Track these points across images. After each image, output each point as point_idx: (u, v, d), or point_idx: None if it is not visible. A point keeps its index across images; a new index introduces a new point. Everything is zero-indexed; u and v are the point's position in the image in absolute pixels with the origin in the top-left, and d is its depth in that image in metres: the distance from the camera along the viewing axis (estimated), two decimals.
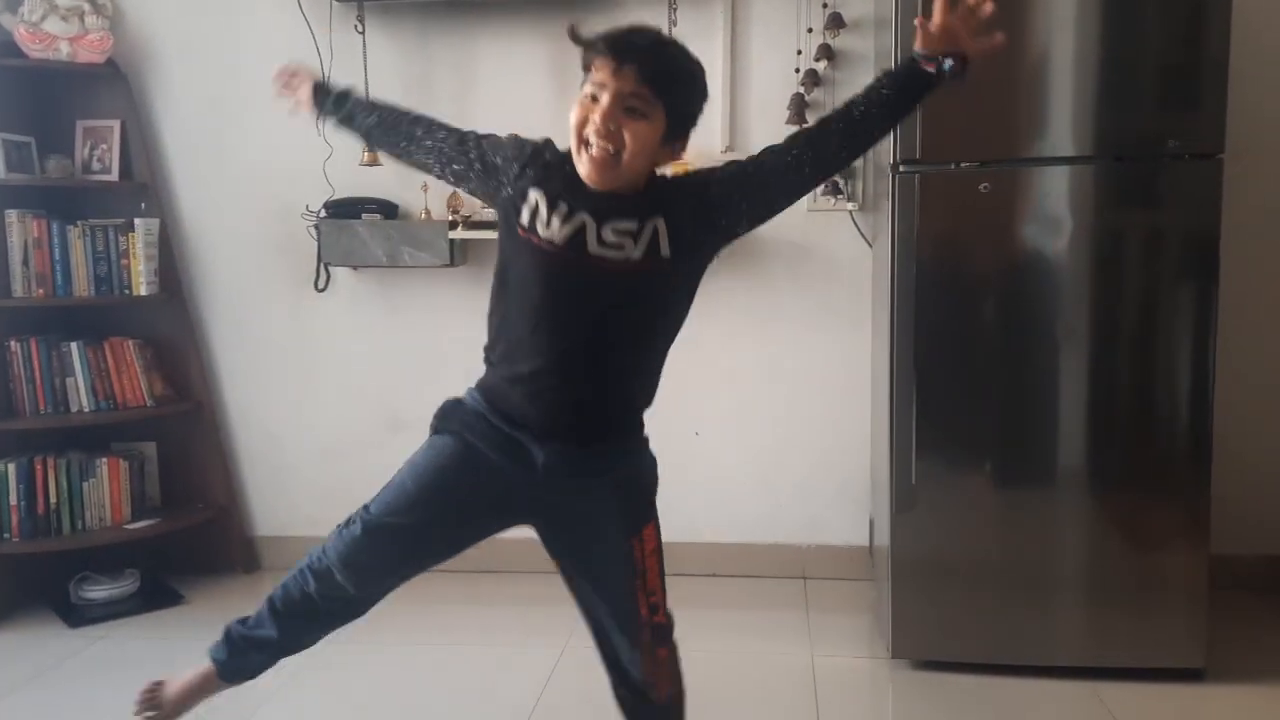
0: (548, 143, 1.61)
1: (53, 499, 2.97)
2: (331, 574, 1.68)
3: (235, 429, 3.33)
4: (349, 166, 3.05)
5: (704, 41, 2.97)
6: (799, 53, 2.92)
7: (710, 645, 2.67)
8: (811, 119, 2.89)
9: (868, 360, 2.97)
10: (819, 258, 3.03)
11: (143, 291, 3.07)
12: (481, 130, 1.69)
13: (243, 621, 1.83)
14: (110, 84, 3.13)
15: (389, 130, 1.76)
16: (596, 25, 2.96)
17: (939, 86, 1.55)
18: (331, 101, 1.80)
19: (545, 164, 1.57)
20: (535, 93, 3.05)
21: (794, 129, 2.83)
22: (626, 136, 1.46)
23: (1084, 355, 2.34)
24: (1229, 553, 2.68)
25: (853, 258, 2.99)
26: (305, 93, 1.81)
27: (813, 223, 3.01)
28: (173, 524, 3.13)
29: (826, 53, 2.89)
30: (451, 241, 2.97)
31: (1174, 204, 2.29)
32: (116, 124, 3.13)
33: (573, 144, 1.50)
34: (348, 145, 3.05)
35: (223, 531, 3.27)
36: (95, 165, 3.13)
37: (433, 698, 2.42)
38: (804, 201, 2.96)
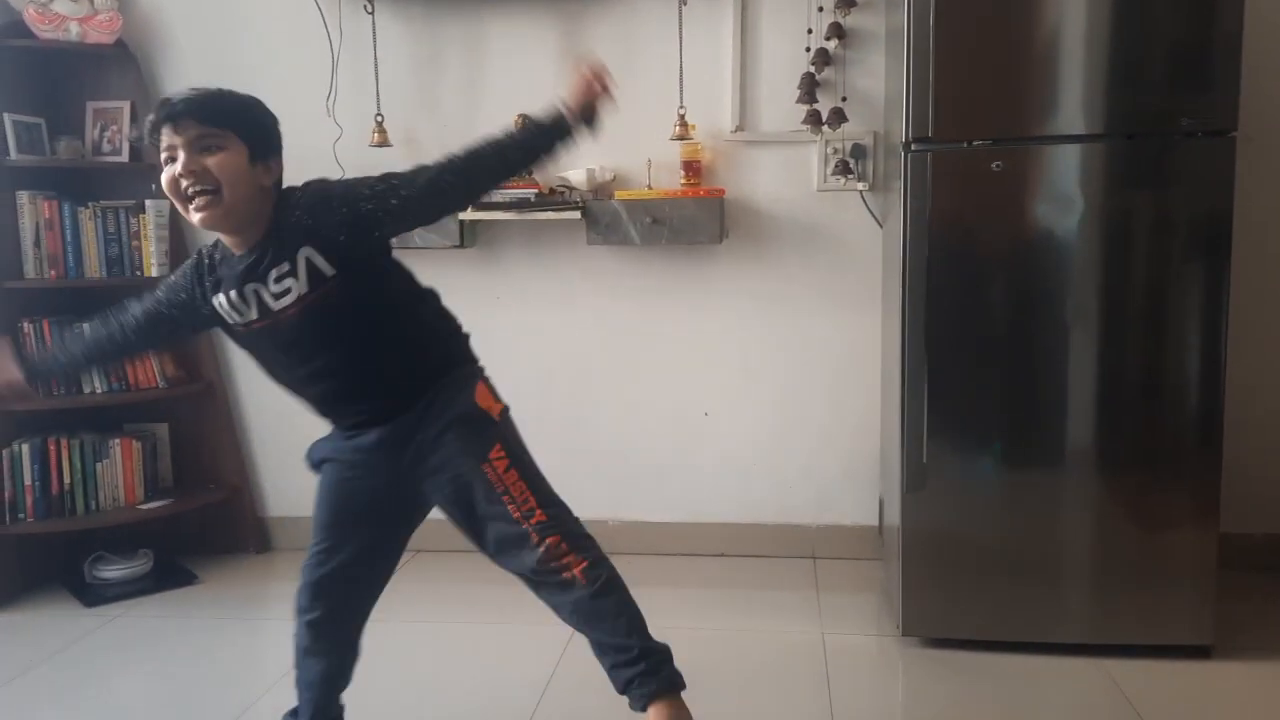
0: (200, 251, 1.78)
1: (66, 479, 2.99)
2: (304, 622, 1.95)
3: (247, 410, 3.34)
4: (359, 148, 3.05)
5: (714, 20, 2.97)
6: (809, 32, 2.91)
7: (721, 624, 2.69)
8: (822, 98, 2.89)
9: (878, 340, 2.97)
10: (829, 238, 3.02)
11: (154, 273, 3.08)
12: (160, 286, 1.82)
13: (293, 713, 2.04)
14: (120, 65, 3.13)
15: (94, 346, 1.85)
16: (604, 8, 2.99)
17: (559, 139, 1.75)
18: (36, 370, 1.84)
19: (209, 269, 1.74)
20: (545, 73, 3.04)
21: (804, 109, 2.86)
22: (214, 171, 1.59)
23: (1095, 334, 2.33)
24: (1238, 531, 2.69)
25: (863, 238, 2.99)
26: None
27: (823, 203, 3.01)
28: (185, 504, 3.16)
29: (837, 31, 2.87)
30: (461, 223, 2.97)
31: (1187, 182, 2.28)
32: (126, 105, 3.13)
33: (180, 209, 1.63)
34: (358, 127, 3.06)
35: (235, 512, 3.29)
36: (105, 147, 3.14)
37: (446, 676, 2.44)
38: (814, 181, 2.99)
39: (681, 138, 2.91)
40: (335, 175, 3.05)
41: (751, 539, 3.16)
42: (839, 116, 2.86)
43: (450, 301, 3.12)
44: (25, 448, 2.93)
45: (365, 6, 3.02)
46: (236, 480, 3.29)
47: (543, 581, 1.75)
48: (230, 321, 1.73)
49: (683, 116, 2.91)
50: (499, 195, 2.89)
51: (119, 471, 3.07)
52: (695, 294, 3.09)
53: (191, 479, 3.30)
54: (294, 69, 3.12)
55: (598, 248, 3.03)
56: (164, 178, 1.62)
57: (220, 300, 1.71)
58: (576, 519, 1.80)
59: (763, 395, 3.13)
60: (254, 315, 1.69)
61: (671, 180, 2.98)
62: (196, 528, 3.25)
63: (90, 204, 3.04)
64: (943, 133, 2.30)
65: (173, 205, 3.11)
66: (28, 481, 2.93)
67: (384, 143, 3.01)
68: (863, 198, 2.97)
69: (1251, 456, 2.74)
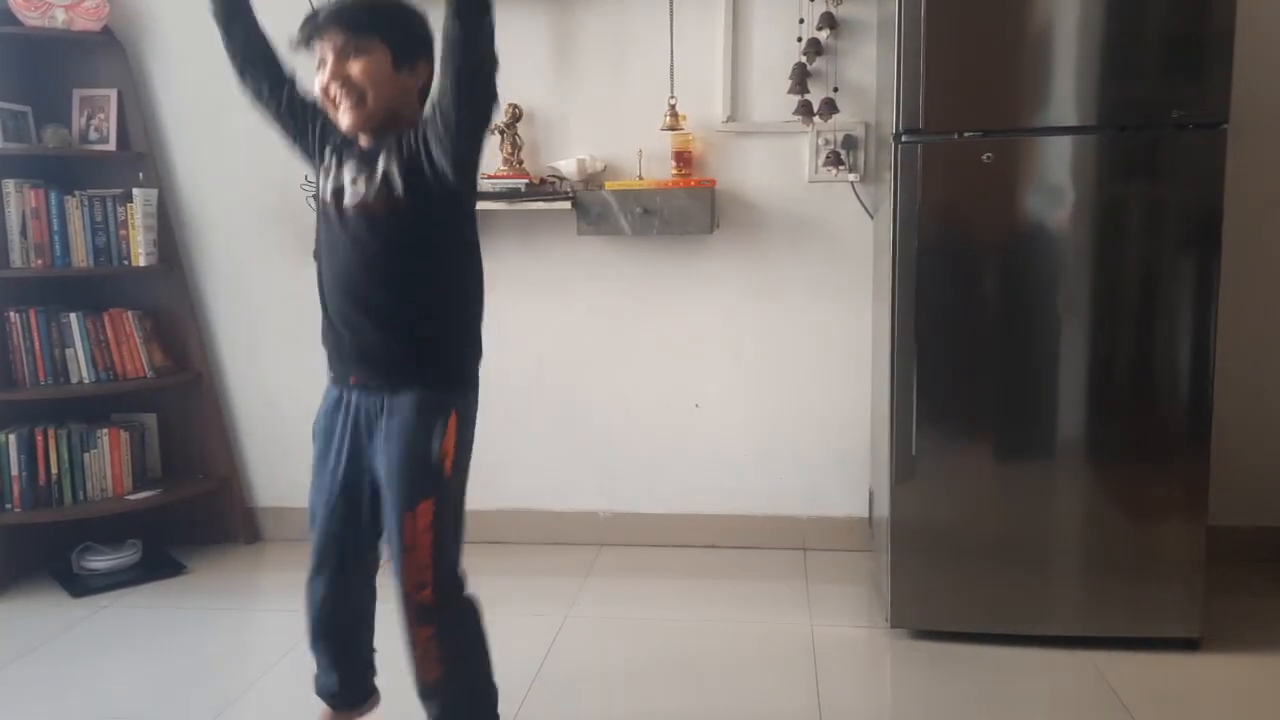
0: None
1: (54, 469, 2.98)
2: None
3: (235, 399, 3.33)
4: None
5: (705, 11, 2.95)
6: (801, 22, 2.89)
7: (711, 616, 2.69)
8: (814, 88, 2.88)
9: (868, 332, 2.97)
10: (820, 229, 3.02)
11: (142, 262, 3.06)
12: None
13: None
14: (107, 52, 3.10)
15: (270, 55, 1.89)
16: (598, 0, 2.95)
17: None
18: None
19: (327, 121, 1.78)
20: (535, 63, 3.03)
21: (795, 99, 2.85)
22: (355, 76, 1.64)
23: (1085, 326, 2.34)
24: (1226, 524, 2.70)
25: (854, 229, 2.98)
26: None
27: (814, 194, 3.00)
28: (174, 495, 3.14)
29: (829, 21, 2.86)
30: None
31: (1178, 174, 2.28)
32: (113, 93, 3.11)
33: (330, 112, 1.70)
34: None
35: (223, 502, 3.28)
36: (93, 135, 3.11)
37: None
38: (805, 172, 2.98)
39: (672, 128, 2.90)
40: None
41: (741, 530, 3.16)
42: (830, 107, 2.85)
43: None
44: (12, 438, 2.91)
45: None
46: (225, 470, 3.28)
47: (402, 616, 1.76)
48: (318, 184, 1.77)
49: (674, 107, 2.90)
50: (489, 185, 2.88)
51: (107, 462, 3.06)
52: (686, 284, 3.09)
53: (180, 469, 3.29)
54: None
55: (589, 238, 3.02)
56: (316, 86, 1.68)
57: (329, 155, 1.76)
58: (463, 607, 1.78)
59: (753, 386, 3.12)
60: (327, 192, 1.73)
61: (662, 171, 2.97)
62: (185, 518, 3.24)
63: (77, 192, 3.01)
64: (934, 124, 2.30)
65: (162, 192, 3.11)
66: (15, 471, 2.92)
67: None
68: (854, 188, 2.97)
69: (1240, 449, 2.75)
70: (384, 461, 1.72)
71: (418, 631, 1.71)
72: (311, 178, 1.84)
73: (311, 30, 1.66)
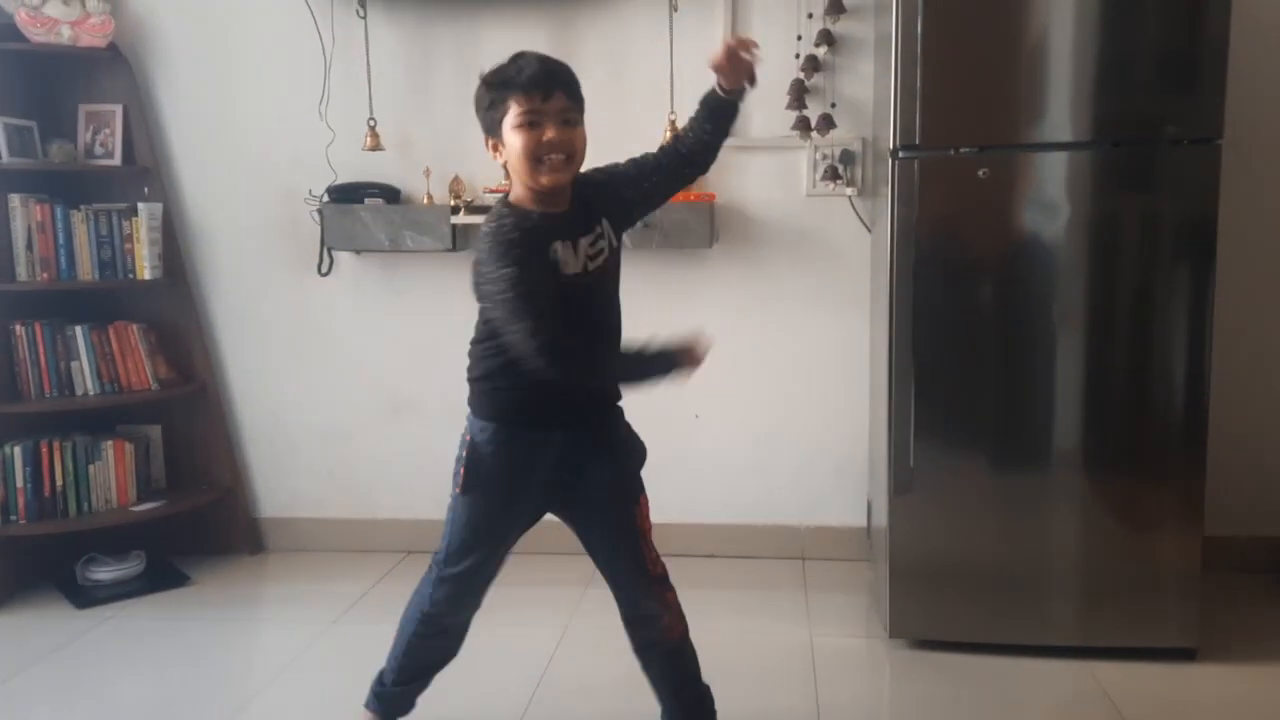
0: (507, 219, 1.73)
1: (59, 481, 3.00)
2: (436, 614, 1.97)
3: (239, 411, 3.35)
4: (352, 151, 3.07)
5: (704, 26, 2.98)
6: (799, 38, 2.93)
7: (710, 625, 2.68)
8: (811, 104, 2.91)
9: (866, 344, 2.99)
10: (818, 242, 3.04)
11: (147, 275, 3.08)
12: (516, 261, 1.71)
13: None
14: (112, 68, 3.13)
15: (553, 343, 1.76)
16: (596, 13, 3.00)
17: (736, 111, 1.90)
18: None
19: (533, 227, 1.73)
20: None
21: (794, 114, 2.88)
22: (576, 143, 1.74)
23: (1081, 340, 2.36)
24: (1222, 535, 2.72)
25: (852, 242, 3.01)
26: None
27: (812, 207, 3.03)
28: (178, 506, 3.16)
29: (827, 38, 2.89)
30: (454, 226, 2.99)
31: (1172, 189, 2.30)
32: (119, 108, 3.14)
33: (524, 167, 1.70)
34: (351, 130, 3.08)
35: (227, 513, 3.30)
36: (98, 150, 3.14)
37: (437, 677, 2.45)
38: (804, 186, 3.01)
39: None
40: (330, 179, 3.11)
41: (741, 540, 3.18)
42: (828, 122, 2.88)
43: (442, 303, 3.17)
44: (17, 449, 2.93)
45: (357, 10, 3.03)
46: (229, 481, 3.30)
47: (642, 628, 1.97)
48: (563, 271, 1.75)
49: (673, 122, 2.92)
50: (489, 199, 2.91)
51: (111, 473, 3.08)
52: (686, 297, 3.11)
53: (184, 480, 3.31)
54: (286, 73, 3.13)
55: None
56: (522, 139, 1.69)
57: (559, 247, 1.74)
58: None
59: (752, 397, 3.15)
60: (578, 269, 1.76)
61: None
62: (189, 529, 3.25)
63: (82, 207, 3.04)
64: (930, 139, 2.33)
65: (167, 206, 3.14)
66: (20, 483, 2.94)
67: (376, 146, 3.02)
68: (851, 203, 2.99)
69: (1235, 460, 2.77)
70: (609, 472, 1.91)
71: (667, 597, 1.96)
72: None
73: (533, 85, 1.70)
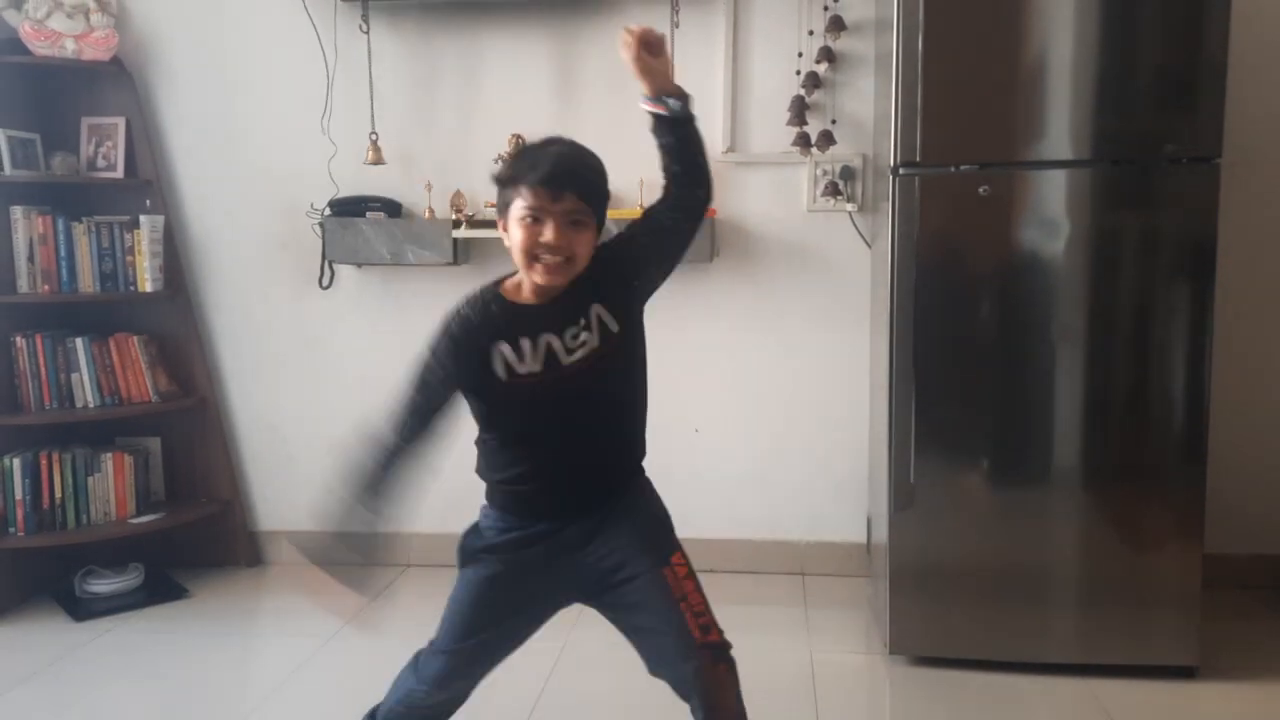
0: (463, 310, 1.69)
1: (58, 493, 3.00)
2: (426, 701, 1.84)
3: (239, 424, 3.35)
4: (354, 165, 3.08)
5: (705, 44, 3.00)
6: (800, 55, 2.94)
7: None
8: (812, 120, 2.92)
9: (867, 360, 3.00)
10: (819, 258, 3.05)
11: (148, 288, 3.09)
12: (425, 362, 1.71)
13: None
14: (115, 81, 3.14)
15: (400, 461, 1.71)
16: (598, 28, 3.01)
17: (682, 121, 1.66)
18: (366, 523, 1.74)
19: (479, 325, 1.66)
20: (539, 93, 3.08)
21: (794, 131, 2.89)
22: (576, 247, 1.59)
23: (1081, 357, 2.36)
24: (1222, 552, 2.72)
25: (852, 258, 3.02)
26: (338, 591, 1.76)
27: (812, 223, 3.04)
28: (177, 518, 3.16)
29: (827, 55, 2.91)
30: (455, 240, 2.99)
31: (1171, 207, 2.31)
32: (121, 121, 3.15)
33: (520, 261, 1.61)
34: (353, 144, 3.09)
35: (226, 526, 3.30)
36: (100, 162, 3.15)
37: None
38: (803, 202, 3.02)
39: None
40: (332, 193, 3.12)
41: (741, 555, 3.18)
42: (828, 139, 2.90)
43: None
44: (16, 461, 2.93)
45: (360, 25, 3.04)
46: (228, 494, 3.30)
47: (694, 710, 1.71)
48: (506, 372, 1.64)
49: None
50: (490, 212, 2.92)
51: (110, 485, 3.08)
52: (686, 311, 3.11)
53: (183, 493, 3.31)
54: (289, 86, 3.15)
55: None
56: (521, 234, 1.58)
57: (504, 348, 1.63)
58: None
59: (752, 412, 3.15)
60: (537, 367, 1.63)
61: None
62: (188, 542, 3.25)
63: (84, 219, 3.05)
64: (930, 156, 2.34)
65: (168, 219, 3.14)
66: (19, 495, 2.93)
67: (379, 160, 3.03)
68: (851, 219, 3.00)
69: (1235, 477, 2.77)
70: (619, 541, 1.72)
71: (717, 672, 1.70)
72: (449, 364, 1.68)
73: (541, 183, 1.57)
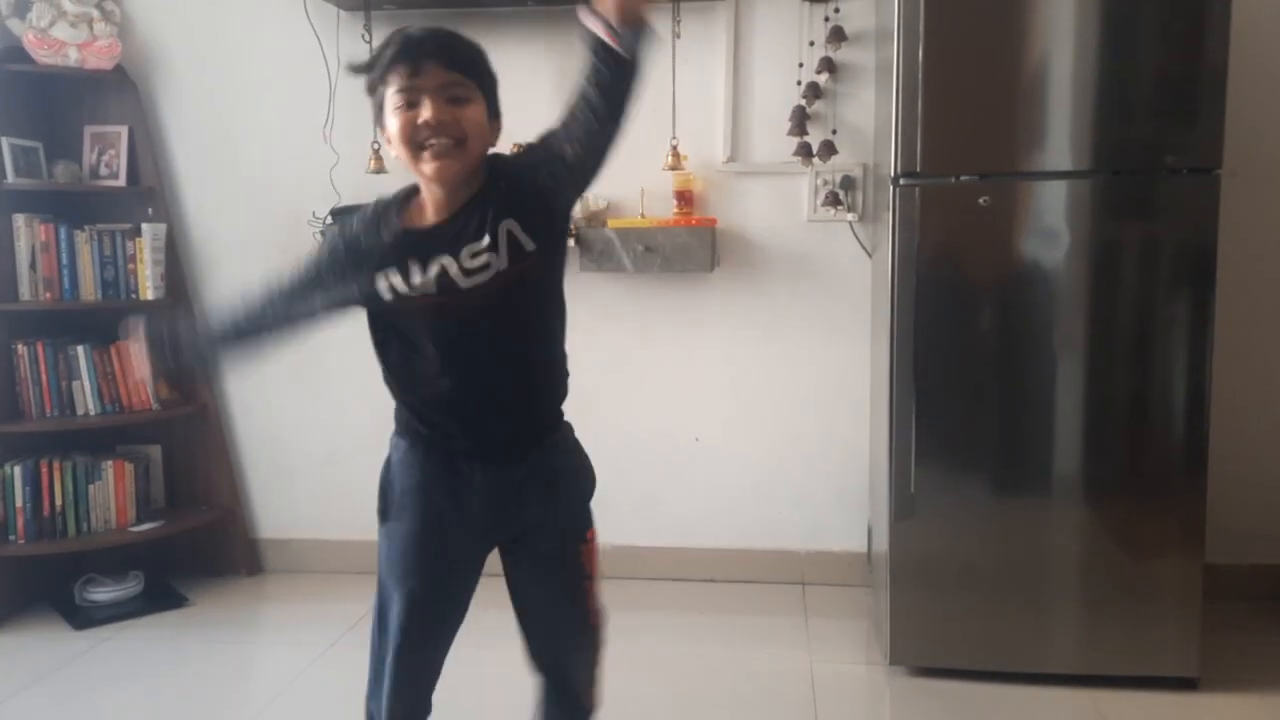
0: (354, 228, 1.55)
1: (58, 501, 3.00)
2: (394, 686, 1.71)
3: (239, 432, 3.35)
4: (355, 173, 3.08)
5: (706, 53, 3.01)
6: (800, 65, 2.95)
7: (709, 650, 2.70)
8: (813, 130, 2.93)
9: (867, 369, 3.00)
10: (819, 267, 3.06)
11: (149, 296, 3.09)
12: (310, 259, 1.59)
13: None
14: (118, 90, 3.15)
15: (255, 330, 1.65)
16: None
17: (628, 61, 1.37)
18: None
19: (365, 250, 1.52)
20: (541, 102, 3.06)
21: (795, 140, 2.90)
22: (463, 124, 1.44)
23: (1082, 366, 2.37)
24: (1223, 562, 2.71)
25: (852, 268, 3.02)
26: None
27: (813, 233, 3.04)
28: (177, 526, 3.16)
29: (828, 65, 2.91)
30: None
31: (1172, 218, 2.32)
32: (124, 130, 3.16)
33: (404, 155, 1.46)
34: (354, 152, 3.09)
35: (227, 534, 3.30)
36: (103, 170, 3.16)
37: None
38: (804, 212, 3.02)
39: (674, 168, 2.95)
40: (334, 201, 3.12)
41: (741, 564, 3.18)
42: (829, 149, 2.90)
43: None
44: (17, 469, 2.93)
45: (362, 35, 3.05)
46: (229, 502, 3.30)
47: (556, 687, 1.72)
48: (391, 294, 1.49)
49: (675, 147, 2.94)
50: None
51: (111, 493, 3.07)
52: (687, 321, 3.12)
53: (184, 501, 3.31)
54: (291, 96, 3.15)
55: (591, 274, 3.05)
56: (397, 123, 1.43)
57: (390, 273, 1.49)
58: None
59: (753, 421, 3.15)
60: (431, 289, 1.47)
61: (664, 209, 3.01)
62: (188, 550, 3.25)
63: (86, 227, 3.05)
64: (931, 167, 2.34)
65: (170, 227, 3.15)
66: (19, 503, 2.93)
67: (380, 169, 3.03)
68: (852, 228, 3.01)
69: (1236, 487, 2.77)
70: (544, 510, 1.63)
71: (600, 654, 1.73)
72: (361, 288, 1.54)
73: (402, 57, 1.42)
